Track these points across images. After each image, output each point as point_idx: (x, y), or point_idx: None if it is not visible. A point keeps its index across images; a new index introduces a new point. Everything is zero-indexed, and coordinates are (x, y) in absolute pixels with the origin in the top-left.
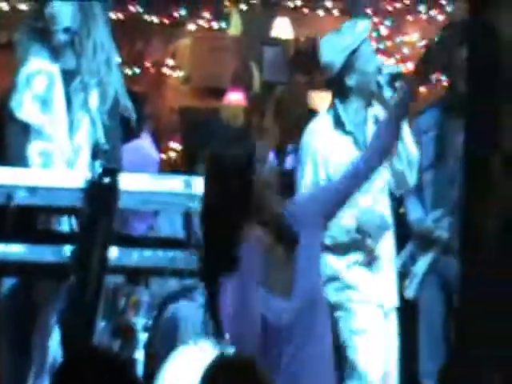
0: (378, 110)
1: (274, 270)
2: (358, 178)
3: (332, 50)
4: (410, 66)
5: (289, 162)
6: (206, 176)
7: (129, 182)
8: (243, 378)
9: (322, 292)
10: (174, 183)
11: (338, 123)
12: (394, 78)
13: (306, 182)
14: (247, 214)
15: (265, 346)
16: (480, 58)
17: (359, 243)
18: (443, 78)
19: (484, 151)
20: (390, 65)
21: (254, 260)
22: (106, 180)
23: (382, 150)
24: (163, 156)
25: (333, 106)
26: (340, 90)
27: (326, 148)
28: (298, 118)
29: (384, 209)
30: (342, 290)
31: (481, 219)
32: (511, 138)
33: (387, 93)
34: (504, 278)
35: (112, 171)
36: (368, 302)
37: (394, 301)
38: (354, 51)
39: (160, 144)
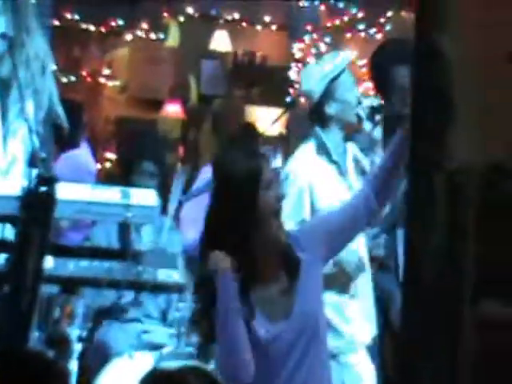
0: (355, 150)
1: (277, 296)
2: (363, 208)
3: (312, 79)
4: None
5: None
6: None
7: (66, 191)
8: None
9: (323, 318)
10: (112, 193)
11: (323, 152)
12: (375, 111)
13: (288, 210)
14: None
15: (265, 367)
16: (424, 78)
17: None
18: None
19: (427, 170)
20: (370, 97)
21: (231, 288)
22: (43, 189)
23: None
24: (98, 166)
25: (314, 135)
26: (320, 118)
27: (312, 176)
28: (235, 132)
29: (362, 249)
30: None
31: (423, 237)
32: (454, 156)
33: (367, 126)
34: (445, 296)
35: (49, 180)
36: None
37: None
38: (334, 79)
39: (96, 154)
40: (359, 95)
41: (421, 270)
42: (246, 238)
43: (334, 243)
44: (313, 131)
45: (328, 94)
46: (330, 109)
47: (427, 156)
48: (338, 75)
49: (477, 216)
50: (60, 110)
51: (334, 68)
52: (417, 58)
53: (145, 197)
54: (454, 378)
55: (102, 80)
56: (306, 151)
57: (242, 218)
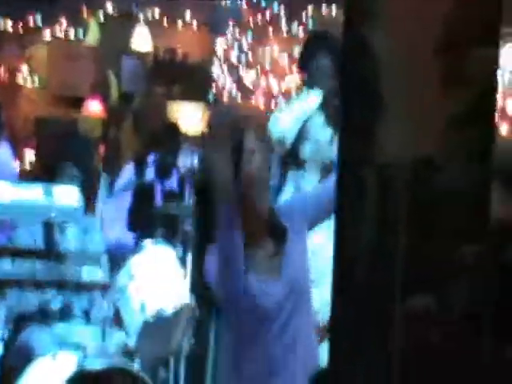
0: None
1: (266, 260)
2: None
3: (283, 125)
4: (271, 80)
5: (149, 174)
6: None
7: None
8: None
9: (309, 285)
10: (35, 192)
11: None
12: None
13: None
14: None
15: (255, 326)
16: (353, 73)
17: None
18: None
19: (357, 164)
20: None
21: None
22: None
23: None
24: (19, 165)
25: (292, 179)
26: (295, 162)
27: None
28: (156, 130)
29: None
30: None
31: (353, 232)
32: (383, 151)
33: None
34: (376, 291)
35: None
36: None
37: None
38: (306, 121)
39: (15, 152)
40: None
41: (351, 265)
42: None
43: (312, 219)
44: (290, 175)
45: (301, 136)
46: (305, 150)
47: (356, 150)
48: (310, 116)
49: (407, 211)
50: None
51: (305, 110)
52: (345, 52)
53: (68, 196)
54: (385, 372)
55: (20, 78)
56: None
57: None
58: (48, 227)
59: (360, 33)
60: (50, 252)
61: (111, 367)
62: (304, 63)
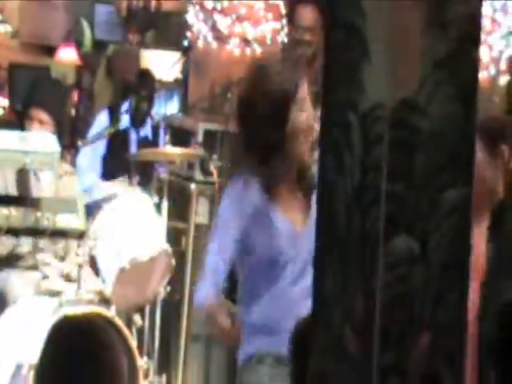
0: None
1: (294, 208)
2: None
3: None
4: (246, 26)
5: (123, 121)
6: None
7: None
8: (86, 336)
9: None
10: (9, 139)
11: None
12: None
13: None
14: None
15: (274, 262)
16: (336, 16)
17: None
18: None
19: (342, 109)
20: None
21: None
22: None
23: None
24: None
25: None
26: None
27: None
28: (130, 77)
29: None
30: None
31: (338, 177)
32: (367, 96)
33: None
34: (360, 233)
35: None
36: None
37: None
38: None
39: None
40: None
41: (334, 209)
42: (274, 153)
43: None
44: None
45: None
46: None
47: (340, 93)
48: None
49: (389, 153)
50: None
51: None
52: None
53: (44, 142)
54: (368, 313)
55: None
56: None
57: (273, 133)
58: (23, 174)
59: None
60: (25, 199)
61: (90, 312)
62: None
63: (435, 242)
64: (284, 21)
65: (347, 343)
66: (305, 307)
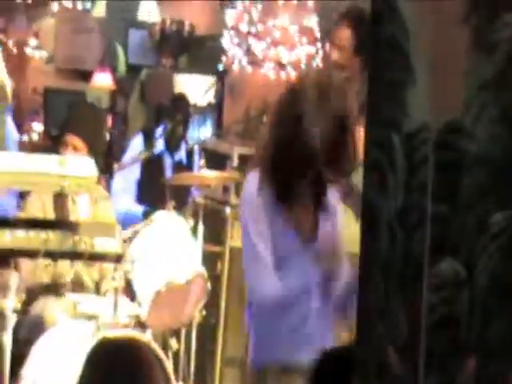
0: None
1: (304, 219)
2: None
3: None
4: (280, 50)
5: (158, 146)
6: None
7: (0, 161)
8: (124, 358)
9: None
10: (48, 163)
11: None
12: None
13: None
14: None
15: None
16: (381, 38)
17: None
18: None
19: (386, 130)
20: None
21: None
22: None
23: None
24: (25, 137)
25: None
26: None
27: None
28: (164, 101)
29: None
30: None
31: (382, 198)
32: (413, 116)
33: None
34: (404, 256)
35: None
36: None
37: None
38: None
39: (22, 125)
40: None
41: (377, 230)
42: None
43: None
44: None
45: None
46: None
47: (384, 114)
48: None
49: (434, 176)
50: None
51: None
52: (373, 15)
53: (82, 166)
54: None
55: (28, 51)
56: None
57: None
58: (60, 197)
59: None
60: (63, 223)
61: (128, 336)
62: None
63: (482, 264)
64: (319, 45)
65: (391, 365)
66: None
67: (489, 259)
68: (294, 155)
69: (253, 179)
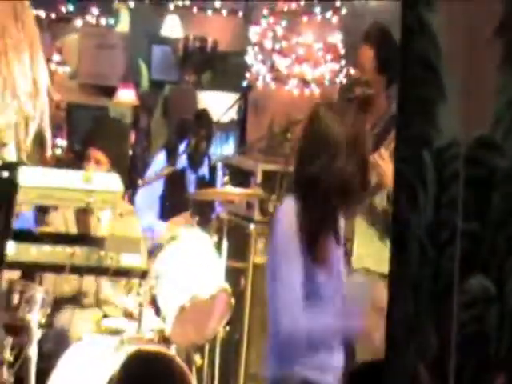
0: None
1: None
2: None
3: None
4: (304, 67)
5: (181, 162)
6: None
7: (26, 176)
8: (156, 370)
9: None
10: (73, 178)
11: None
12: None
13: None
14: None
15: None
16: (411, 53)
17: None
18: None
19: (416, 147)
20: None
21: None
22: (5, 174)
23: None
24: (49, 152)
25: None
26: None
27: None
28: (187, 117)
29: None
30: None
31: (413, 214)
32: (442, 133)
33: None
34: (434, 272)
35: (11, 165)
36: None
37: None
38: None
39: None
40: None
41: (408, 247)
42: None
43: None
44: None
45: None
46: None
47: (415, 130)
48: None
49: (465, 192)
50: None
51: None
52: (403, 31)
53: (108, 181)
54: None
55: (52, 66)
56: None
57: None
58: (83, 213)
59: (418, 12)
60: (88, 238)
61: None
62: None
63: None
64: (343, 62)
65: (421, 381)
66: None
67: None
68: (326, 190)
69: (289, 206)
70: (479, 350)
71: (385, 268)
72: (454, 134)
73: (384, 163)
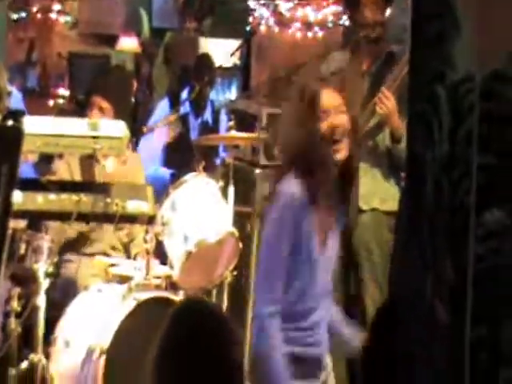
0: None
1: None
2: None
3: None
4: (307, 10)
5: (182, 109)
6: None
7: (31, 124)
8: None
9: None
10: (79, 126)
11: None
12: None
13: None
14: None
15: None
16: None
17: None
18: None
19: (430, 81)
20: None
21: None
22: (10, 122)
23: None
24: (51, 102)
25: None
26: None
27: None
28: (189, 63)
29: None
30: None
31: (427, 149)
32: (456, 68)
33: None
34: (449, 205)
35: (16, 113)
36: None
37: None
38: None
39: (47, 90)
40: None
41: (422, 182)
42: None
43: None
44: None
45: None
46: None
47: (428, 65)
48: None
49: (480, 126)
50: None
51: None
52: None
53: (114, 128)
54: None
55: (52, 16)
56: None
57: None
58: (87, 160)
59: None
60: (94, 185)
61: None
62: None
63: None
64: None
65: (437, 315)
66: None
67: None
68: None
69: (290, 184)
70: (496, 283)
71: (389, 206)
72: (468, 68)
73: (388, 102)
